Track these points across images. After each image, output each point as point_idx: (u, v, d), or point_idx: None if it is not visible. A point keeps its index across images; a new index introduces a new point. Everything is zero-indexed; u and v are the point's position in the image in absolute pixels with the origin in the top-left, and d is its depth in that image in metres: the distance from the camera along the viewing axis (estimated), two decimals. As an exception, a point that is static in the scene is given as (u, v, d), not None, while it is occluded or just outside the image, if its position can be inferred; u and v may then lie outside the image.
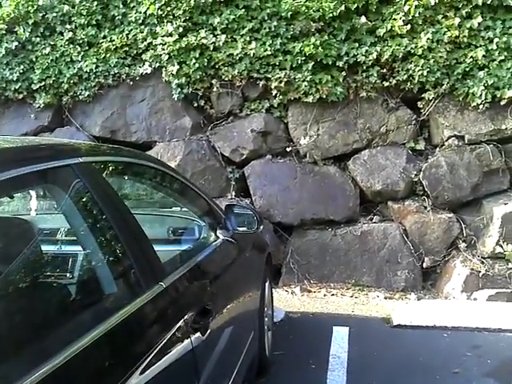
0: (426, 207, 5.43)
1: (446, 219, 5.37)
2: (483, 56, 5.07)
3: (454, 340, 4.06)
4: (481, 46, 5.12)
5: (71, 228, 1.84)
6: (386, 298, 5.13)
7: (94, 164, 1.87)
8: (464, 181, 5.33)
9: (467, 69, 5.15)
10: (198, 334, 1.84)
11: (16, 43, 5.77)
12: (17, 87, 5.86)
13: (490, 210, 5.29)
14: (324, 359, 3.70)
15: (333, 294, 5.23)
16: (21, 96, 5.95)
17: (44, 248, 1.87)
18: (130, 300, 1.61)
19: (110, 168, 2.13)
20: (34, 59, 5.83)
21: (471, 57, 5.10)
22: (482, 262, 5.15)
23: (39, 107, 5.95)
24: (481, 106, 5.19)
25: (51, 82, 5.79)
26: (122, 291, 1.66)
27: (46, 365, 1.17)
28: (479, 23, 5.07)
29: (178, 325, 1.75)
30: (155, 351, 1.54)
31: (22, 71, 5.82)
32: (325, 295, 5.21)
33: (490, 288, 4.99)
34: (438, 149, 5.49)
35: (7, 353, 1.16)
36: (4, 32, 5.79)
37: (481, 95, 5.12)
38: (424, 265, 5.39)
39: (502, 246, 5.08)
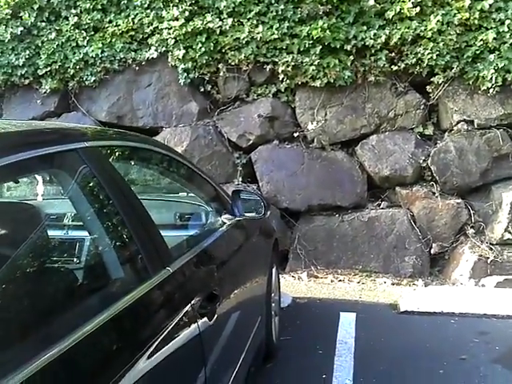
0: (434, 193, 5.39)
1: (454, 205, 5.33)
2: (494, 38, 4.97)
3: (461, 326, 4.05)
4: (492, 28, 5.02)
5: (77, 213, 1.83)
6: (393, 284, 5.12)
7: (99, 148, 1.85)
8: (473, 166, 5.28)
9: (477, 52, 5.06)
10: (204, 319, 1.84)
11: (21, 28, 5.74)
12: (23, 72, 5.84)
13: (499, 195, 5.25)
14: (331, 345, 3.70)
15: (340, 280, 5.22)
16: (27, 81, 5.93)
17: (51, 233, 1.86)
18: (137, 285, 1.60)
19: (117, 153, 2.12)
20: (39, 44, 5.80)
21: (482, 39, 5.01)
22: (491, 249, 5.12)
23: (45, 92, 5.93)
24: (491, 90, 5.11)
25: (57, 67, 5.76)
26: (128, 276, 1.65)
27: (53, 348, 1.17)
28: (490, 5, 4.96)
29: (184, 310, 1.74)
30: (162, 336, 1.54)
31: (27, 56, 5.80)
32: (332, 281, 5.21)
33: (499, 274, 4.96)
34: (446, 133, 5.44)
35: (15, 337, 1.16)
36: (9, 17, 5.75)
37: (491, 79, 5.04)
38: (432, 251, 5.36)
39: (510, 233, 5.05)
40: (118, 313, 1.42)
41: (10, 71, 5.85)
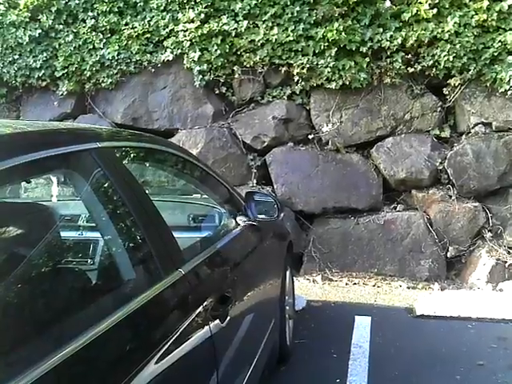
0: (450, 196, 5.33)
1: (471, 208, 5.26)
2: (512, 40, 4.92)
3: (478, 331, 3.99)
4: (510, 29, 4.96)
5: (89, 214, 1.83)
6: (409, 288, 5.06)
7: (112, 149, 1.85)
8: (490, 169, 5.20)
9: (495, 53, 5.00)
10: (217, 322, 1.82)
11: (39, 31, 5.80)
12: (40, 74, 5.90)
13: (517, 199, 5.17)
14: (346, 348, 3.67)
15: (355, 283, 5.18)
16: (44, 83, 5.99)
17: (63, 234, 1.86)
18: (149, 286, 1.59)
19: (131, 154, 2.12)
20: (57, 47, 5.86)
21: (500, 41, 4.95)
22: (509, 253, 5.06)
23: (62, 94, 5.98)
24: (509, 92, 5.05)
25: (74, 69, 5.81)
26: (140, 277, 1.65)
27: (67, 347, 1.17)
28: (509, 6, 4.91)
29: (196, 311, 1.73)
30: (173, 338, 1.53)
31: (45, 59, 5.87)
32: (347, 284, 5.17)
33: (517, 279, 4.89)
34: (463, 136, 5.37)
35: (31, 335, 1.17)
36: (28, 20, 5.82)
37: (509, 81, 4.97)
38: (448, 254, 5.30)
39: (529, 236, 4.96)
40: (128, 314, 1.41)
41: (27, 73, 5.92)
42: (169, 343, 1.49)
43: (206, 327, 1.75)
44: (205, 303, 1.80)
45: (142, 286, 1.59)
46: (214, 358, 1.81)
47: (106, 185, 1.65)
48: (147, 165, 2.85)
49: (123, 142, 2.10)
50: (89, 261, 1.96)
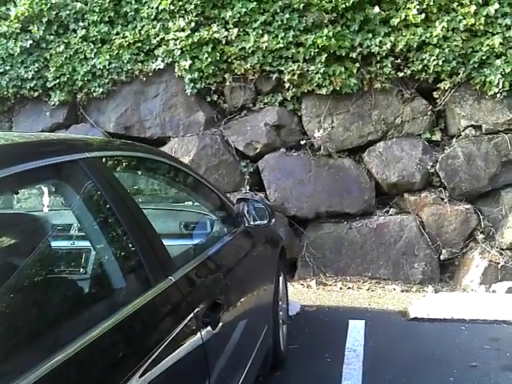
0: (442, 199, 5.36)
1: (463, 211, 5.29)
2: (500, 44, 4.97)
3: (471, 333, 4.01)
4: (498, 33, 5.02)
5: (78, 223, 1.85)
6: (402, 291, 5.08)
7: (101, 159, 1.86)
8: (481, 171, 5.25)
9: (484, 57, 5.06)
10: (208, 328, 1.83)
11: (31, 41, 5.83)
12: (32, 85, 5.92)
13: (508, 200, 5.22)
14: (340, 352, 3.68)
15: (349, 288, 5.20)
16: (36, 94, 6.00)
17: (53, 244, 1.87)
18: (139, 294, 1.60)
19: (123, 163, 2.13)
20: (48, 57, 5.88)
21: (488, 45, 5.01)
22: (501, 254, 5.08)
23: (54, 105, 5.99)
24: (498, 95, 5.10)
25: (65, 79, 5.83)
26: (130, 286, 1.66)
27: (58, 355, 1.19)
28: (496, 10, 4.97)
29: (187, 319, 1.74)
30: (164, 345, 1.53)
31: (36, 69, 5.88)
32: (341, 288, 5.19)
33: (509, 280, 4.92)
34: (454, 139, 5.41)
35: (24, 343, 1.19)
36: (19, 31, 5.84)
37: (498, 84, 5.03)
38: (441, 257, 5.33)
39: (521, 237, 5.00)
40: (119, 322, 1.43)
41: (19, 84, 5.93)
42: (159, 350, 1.50)
43: (198, 334, 1.76)
44: (196, 310, 1.81)
45: (133, 294, 1.61)
46: (205, 364, 1.82)
47: (95, 194, 1.66)
48: (139, 173, 2.86)
49: (113, 151, 2.11)
50: (80, 270, 1.97)
